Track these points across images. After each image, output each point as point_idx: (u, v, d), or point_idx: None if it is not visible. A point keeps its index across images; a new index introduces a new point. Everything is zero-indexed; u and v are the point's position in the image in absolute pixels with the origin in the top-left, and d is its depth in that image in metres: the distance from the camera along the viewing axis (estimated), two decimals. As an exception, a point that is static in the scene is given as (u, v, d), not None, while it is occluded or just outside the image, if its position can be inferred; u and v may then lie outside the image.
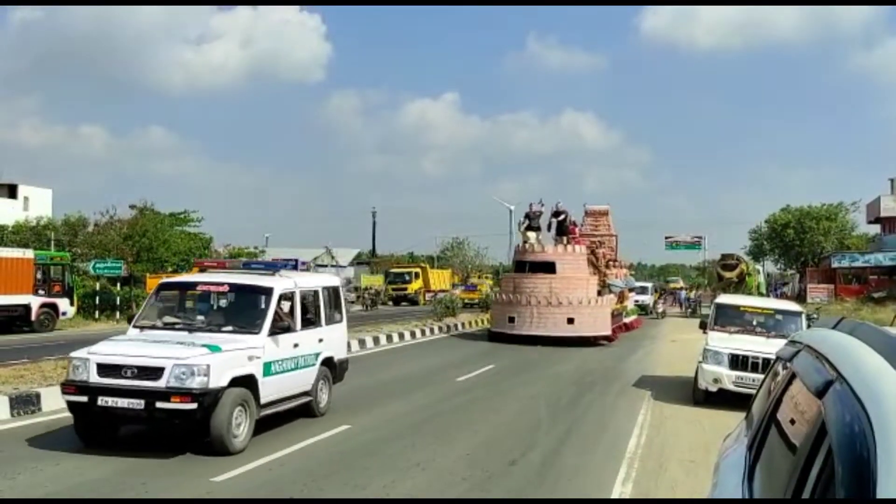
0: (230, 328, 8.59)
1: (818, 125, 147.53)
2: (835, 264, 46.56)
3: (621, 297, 28.18)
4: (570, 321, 22.28)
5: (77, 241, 34.23)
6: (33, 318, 22.01)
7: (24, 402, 9.45)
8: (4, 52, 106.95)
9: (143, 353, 7.71)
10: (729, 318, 13.30)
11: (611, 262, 30.13)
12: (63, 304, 23.37)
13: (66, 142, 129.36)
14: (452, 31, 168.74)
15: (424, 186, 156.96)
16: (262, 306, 8.78)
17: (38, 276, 22.71)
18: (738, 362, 11.94)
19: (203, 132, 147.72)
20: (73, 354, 7.96)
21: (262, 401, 8.39)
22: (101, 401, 7.48)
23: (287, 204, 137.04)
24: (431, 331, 24.96)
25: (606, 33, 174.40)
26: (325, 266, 59.37)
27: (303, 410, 9.66)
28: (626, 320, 28.68)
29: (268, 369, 8.48)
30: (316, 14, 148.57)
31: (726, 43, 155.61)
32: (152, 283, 22.50)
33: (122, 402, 7.47)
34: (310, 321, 9.82)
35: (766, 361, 10.24)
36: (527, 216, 25.31)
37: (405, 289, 49.92)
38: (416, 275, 51.56)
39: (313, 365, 9.73)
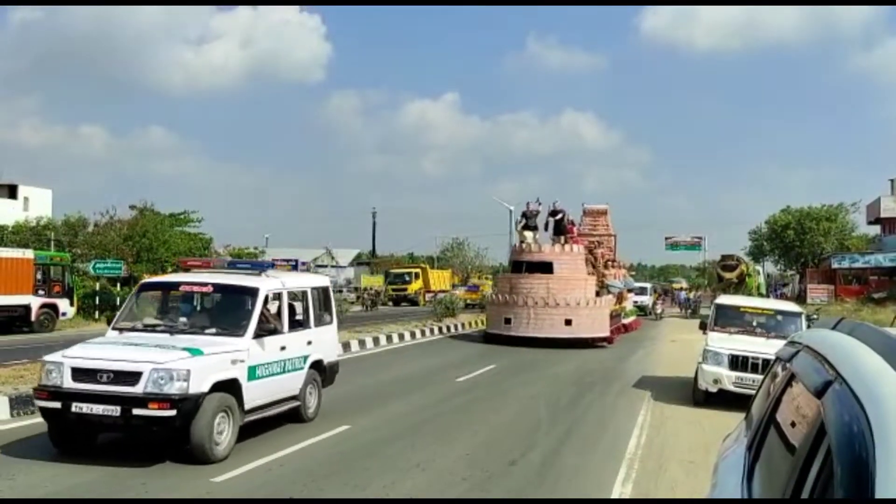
0: (214, 330, 8.25)
1: (818, 126, 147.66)
2: (835, 265, 46.58)
3: (620, 298, 27.91)
4: (568, 322, 21.99)
5: (77, 242, 34.24)
6: (33, 318, 22.00)
7: (24, 403, 9.44)
8: (4, 52, 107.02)
9: (120, 356, 7.35)
10: (729, 319, 13.30)
11: (609, 263, 29.80)
12: (63, 304, 23.36)
13: (66, 142, 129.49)
14: (452, 32, 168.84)
15: (424, 187, 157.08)
16: (248, 307, 8.40)
17: (38, 276, 22.69)
18: (737, 363, 11.94)
19: (203, 132, 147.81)
20: (46, 358, 7.60)
21: (247, 406, 8.06)
22: (76, 407, 7.11)
23: (287, 204, 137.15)
24: (431, 331, 24.96)
25: (606, 34, 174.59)
26: (325, 266, 59.43)
27: (294, 415, 9.37)
28: (625, 321, 28.44)
29: (253, 373, 8.15)
30: (316, 14, 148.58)
31: (726, 43, 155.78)
32: (152, 283, 22.43)
33: (98, 409, 7.09)
34: (298, 323, 9.51)
35: (766, 362, 10.23)
36: (524, 215, 24.96)
37: (405, 289, 49.95)
38: (416, 275, 51.59)
39: (301, 368, 9.39)
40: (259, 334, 8.29)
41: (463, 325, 27.98)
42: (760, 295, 35.49)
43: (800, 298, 41.83)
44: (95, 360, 7.33)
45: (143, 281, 10.58)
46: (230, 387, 7.74)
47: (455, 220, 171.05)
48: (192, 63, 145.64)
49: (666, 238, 68.63)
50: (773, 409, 2.73)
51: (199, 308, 9.28)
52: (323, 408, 10.43)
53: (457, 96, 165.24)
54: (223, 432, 7.57)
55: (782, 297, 44.12)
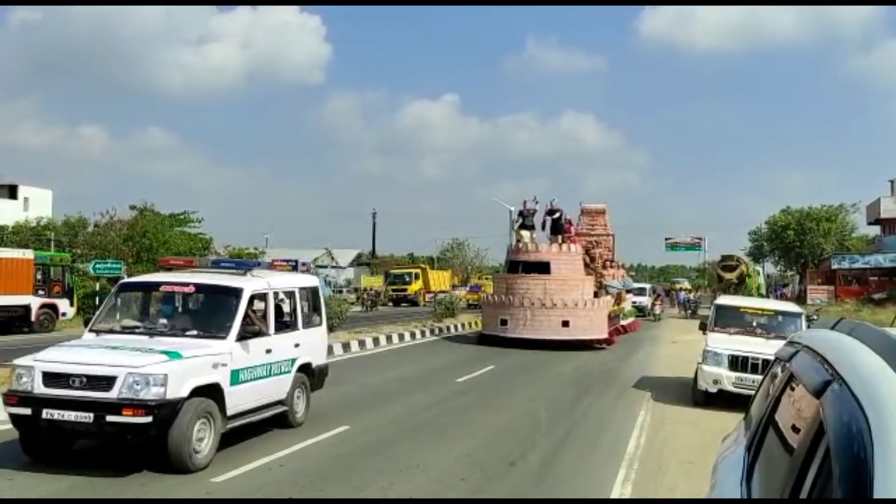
0: (195, 332, 7.90)
1: (818, 126, 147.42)
2: (835, 266, 46.62)
3: (618, 299, 27.50)
4: (565, 324, 21.49)
5: (77, 242, 34.31)
6: (33, 318, 22.02)
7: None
8: (4, 53, 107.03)
9: (95, 360, 6.99)
10: (729, 320, 13.30)
11: (608, 263, 29.29)
12: (63, 304, 23.38)
13: (65, 143, 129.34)
14: (452, 32, 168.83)
15: (424, 188, 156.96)
16: (231, 309, 8.04)
17: (38, 276, 22.71)
18: (737, 363, 11.94)
19: (203, 133, 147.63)
20: (16, 362, 7.26)
21: (230, 412, 7.70)
22: (46, 413, 6.75)
23: (287, 205, 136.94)
24: (431, 332, 24.95)
25: (606, 35, 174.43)
26: (326, 267, 59.51)
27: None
28: (624, 323, 28.09)
29: (236, 377, 7.80)
30: (316, 15, 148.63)
31: (726, 45, 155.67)
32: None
33: (70, 415, 6.73)
34: (285, 324, 9.18)
35: (766, 362, 10.22)
36: (520, 214, 24.42)
37: (405, 290, 49.96)
38: (416, 276, 51.60)
39: (288, 372, 9.04)
40: (243, 336, 7.98)
41: (463, 325, 27.96)
42: (760, 295, 35.45)
43: (800, 299, 41.86)
44: (68, 364, 6.98)
45: (122, 281, 10.14)
46: (211, 392, 7.39)
47: (455, 221, 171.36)
48: (191, 64, 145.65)
49: (666, 239, 68.69)
50: (773, 409, 2.73)
51: (180, 309, 8.95)
52: (323, 408, 10.42)
53: (456, 97, 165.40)
54: (203, 439, 7.22)
55: (782, 297, 44.12)
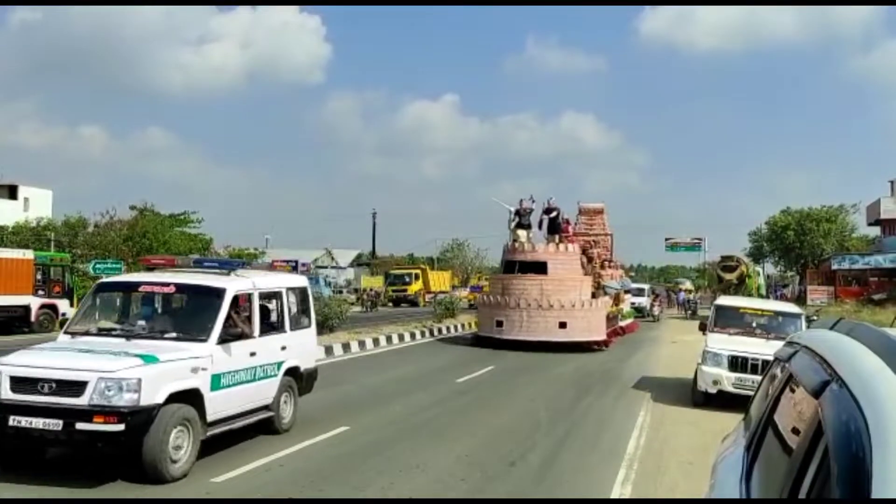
0: (174, 335, 7.59)
1: (818, 127, 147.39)
2: (835, 266, 46.64)
3: (617, 300, 27.02)
4: (563, 325, 21.00)
5: (77, 242, 34.30)
6: (33, 318, 22.03)
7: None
8: (4, 53, 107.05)
9: (65, 364, 6.64)
10: (728, 320, 13.30)
11: (606, 263, 28.78)
12: (63, 304, 23.38)
13: (65, 143, 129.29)
14: (452, 32, 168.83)
15: (424, 188, 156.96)
16: (213, 310, 7.68)
17: (38, 276, 22.74)
18: (737, 364, 11.94)
19: (203, 133, 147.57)
20: None
21: (210, 418, 7.36)
22: (13, 420, 6.40)
23: (287, 205, 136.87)
24: (431, 332, 24.95)
25: (606, 35, 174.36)
26: (326, 267, 59.55)
27: (297, 416, 9.18)
28: (622, 324, 27.68)
29: (217, 382, 7.46)
30: (316, 15, 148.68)
31: (726, 45, 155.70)
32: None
33: (38, 423, 6.37)
34: (271, 326, 8.82)
35: (766, 363, 10.20)
36: (517, 213, 23.58)
37: (405, 290, 49.98)
38: (416, 276, 51.61)
39: (274, 376, 8.68)
40: (225, 339, 7.64)
41: (463, 325, 27.95)
42: (760, 296, 35.44)
43: (800, 300, 41.87)
44: (37, 369, 6.63)
45: (99, 281, 9.77)
46: (190, 397, 7.06)
47: (455, 221, 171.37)
48: (191, 64, 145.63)
49: (666, 239, 68.71)
50: (772, 409, 2.74)
51: (160, 310, 8.62)
52: (323, 409, 10.43)
53: (456, 97, 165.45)
54: (181, 448, 6.89)
55: (782, 298, 44.11)
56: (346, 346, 18.66)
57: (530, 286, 21.59)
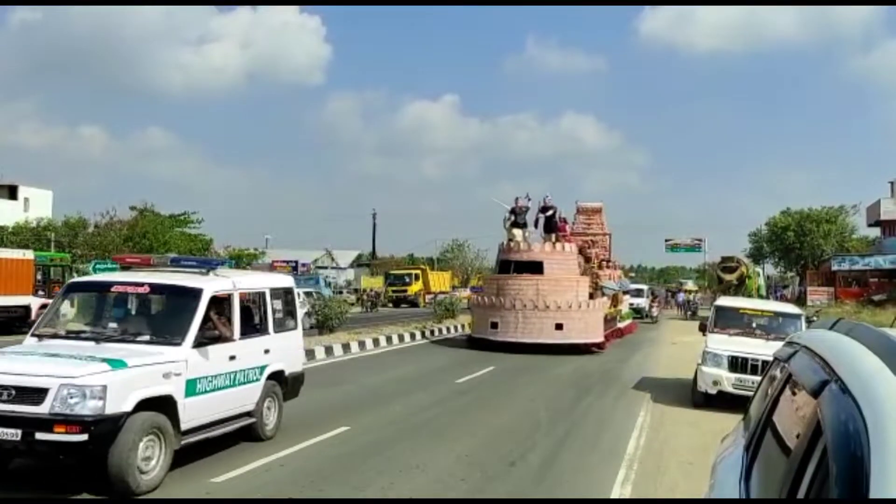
0: (147, 338, 7.20)
1: (818, 127, 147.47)
2: (835, 267, 46.67)
3: (615, 301, 26.76)
4: (559, 327, 20.51)
5: (77, 242, 34.32)
6: (33, 318, 22.00)
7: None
8: (4, 53, 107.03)
9: (27, 369, 6.21)
10: (728, 321, 13.30)
11: (604, 263, 28.28)
12: (63, 305, 23.35)
13: (65, 143, 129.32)
14: (452, 33, 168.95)
15: (424, 188, 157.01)
16: (188, 311, 7.28)
17: (38, 277, 22.73)
18: (737, 364, 11.94)
19: (203, 133, 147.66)
20: None
21: (185, 426, 6.96)
22: None
23: (287, 205, 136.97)
24: (431, 332, 24.94)
25: (606, 35, 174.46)
26: (326, 268, 59.55)
27: (297, 416, 9.16)
28: (621, 325, 27.34)
29: (192, 388, 7.06)
30: (316, 16, 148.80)
31: (726, 45, 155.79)
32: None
33: None
34: (254, 328, 8.43)
35: (765, 364, 10.21)
36: (513, 211, 23.01)
37: (405, 290, 49.99)
38: (416, 276, 51.62)
39: (257, 380, 8.29)
40: (202, 342, 7.24)
41: (463, 326, 27.89)
42: (760, 297, 35.42)
43: (799, 300, 41.87)
44: None
45: (70, 280, 9.16)
46: (162, 404, 6.65)
47: (455, 222, 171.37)
48: (191, 64, 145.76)
49: (666, 240, 68.68)
50: (771, 409, 2.74)
51: (133, 312, 8.25)
52: (323, 409, 10.44)
53: (456, 98, 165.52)
54: (152, 458, 6.48)
55: (782, 298, 44.08)
56: (346, 347, 18.66)
57: (526, 286, 21.09)
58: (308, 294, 25.38)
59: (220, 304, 7.80)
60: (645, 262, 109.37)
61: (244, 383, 8.04)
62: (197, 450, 7.63)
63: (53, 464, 6.46)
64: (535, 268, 21.33)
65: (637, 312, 35.24)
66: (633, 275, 55.89)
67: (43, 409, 5.98)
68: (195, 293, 7.47)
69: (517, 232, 22.63)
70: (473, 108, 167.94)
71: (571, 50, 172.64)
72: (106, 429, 6.08)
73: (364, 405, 11.24)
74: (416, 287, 50.44)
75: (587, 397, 13.09)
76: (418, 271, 53.35)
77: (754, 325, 13.14)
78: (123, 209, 37.95)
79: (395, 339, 21.92)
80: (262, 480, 7.12)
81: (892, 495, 1.30)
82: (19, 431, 5.98)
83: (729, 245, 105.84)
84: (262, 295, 8.70)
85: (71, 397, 6.01)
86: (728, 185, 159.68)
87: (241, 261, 39.27)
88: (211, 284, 7.73)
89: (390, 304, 47.86)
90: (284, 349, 8.97)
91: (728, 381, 11.90)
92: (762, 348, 11.50)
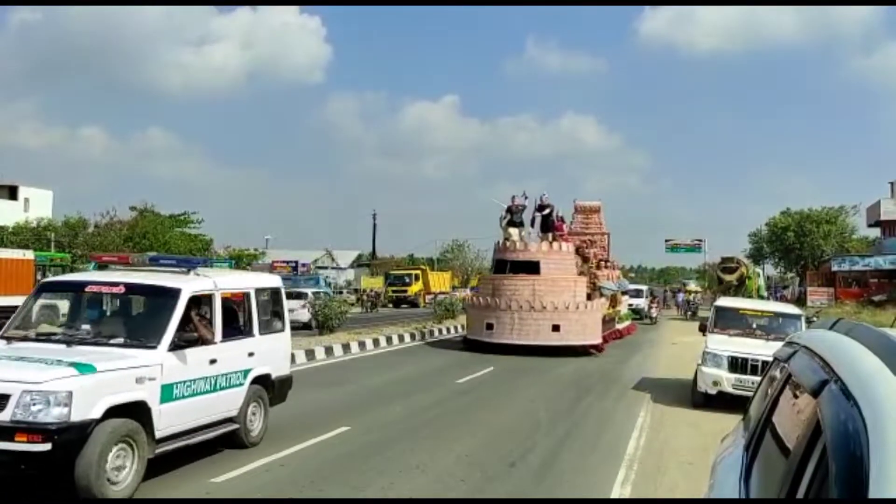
0: (121, 341, 6.86)
1: (818, 128, 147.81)
2: (835, 268, 46.68)
3: (614, 301, 26.42)
4: (556, 328, 20.08)
5: (77, 243, 34.30)
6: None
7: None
8: (4, 53, 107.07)
9: None
10: (728, 321, 13.30)
11: (602, 263, 27.76)
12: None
13: (66, 143, 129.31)
14: (452, 34, 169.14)
15: (425, 188, 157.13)
16: (165, 313, 6.95)
17: (39, 277, 22.71)
18: (737, 365, 11.94)
19: (203, 133, 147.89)
20: None
21: (160, 434, 6.60)
22: None
23: (287, 206, 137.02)
24: (431, 333, 24.94)
25: (606, 36, 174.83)
26: (326, 268, 59.58)
27: (297, 416, 9.14)
28: (619, 326, 27.04)
29: (168, 393, 6.70)
30: (316, 16, 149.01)
31: (726, 45, 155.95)
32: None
33: None
34: (237, 330, 8.08)
35: (765, 364, 10.21)
36: (509, 210, 22.47)
37: (405, 291, 49.95)
38: (417, 277, 51.58)
39: (240, 385, 7.91)
40: (179, 345, 6.89)
41: (463, 326, 27.87)
42: (760, 297, 35.40)
43: (800, 301, 41.88)
44: None
45: (43, 280, 8.83)
46: (135, 411, 6.30)
47: (455, 222, 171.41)
48: (192, 64, 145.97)
49: (666, 240, 68.69)
50: (771, 409, 2.75)
51: (108, 313, 7.98)
52: (323, 409, 10.43)
53: (456, 99, 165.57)
54: (123, 468, 6.14)
55: (782, 299, 44.06)
56: (346, 347, 18.66)
57: (522, 287, 20.65)
58: (316, 294, 25.45)
59: (200, 304, 7.51)
60: (645, 262, 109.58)
61: (226, 388, 7.69)
62: (197, 450, 7.64)
63: (15, 474, 6.01)
64: (532, 268, 20.92)
65: (636, 313, 35.04)
66: (633, 275, 55.90)
67: (4, 416, 5.64)
68: (173, 293, 7.13)
69: (513, 231, 22.23)
70: (473, 109, 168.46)
71: (571, 51, 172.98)
72: (71, 437, 5.74)
73: (364, 405, 11.24)
74: (416, 287, 50.41)
75: (587, 398, 13.09)
76: (418, 272, 53.31)
77: (754, 325, 13.15)
78: (123, 209, 37.99)
79: (395, 339, 21.91)
80: (262, 480, 7.12)
81: (892, 495, 1.30)
82: None
83: (729, 245, 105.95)
84: (246, 295, 8.38)
85: (34, 404, 5.68)
86: (728, 186, 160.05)
87: (241, 261, 39.31)
88: (190, 284, 7.41)
89: (390, 305, 47.82)
90: (270, 352, 8.60)
91: (728, 381, 11.90)
92: (762, 349, 11.50)
